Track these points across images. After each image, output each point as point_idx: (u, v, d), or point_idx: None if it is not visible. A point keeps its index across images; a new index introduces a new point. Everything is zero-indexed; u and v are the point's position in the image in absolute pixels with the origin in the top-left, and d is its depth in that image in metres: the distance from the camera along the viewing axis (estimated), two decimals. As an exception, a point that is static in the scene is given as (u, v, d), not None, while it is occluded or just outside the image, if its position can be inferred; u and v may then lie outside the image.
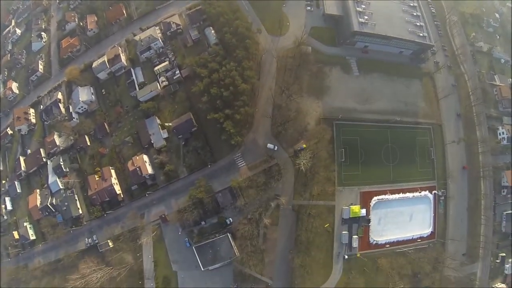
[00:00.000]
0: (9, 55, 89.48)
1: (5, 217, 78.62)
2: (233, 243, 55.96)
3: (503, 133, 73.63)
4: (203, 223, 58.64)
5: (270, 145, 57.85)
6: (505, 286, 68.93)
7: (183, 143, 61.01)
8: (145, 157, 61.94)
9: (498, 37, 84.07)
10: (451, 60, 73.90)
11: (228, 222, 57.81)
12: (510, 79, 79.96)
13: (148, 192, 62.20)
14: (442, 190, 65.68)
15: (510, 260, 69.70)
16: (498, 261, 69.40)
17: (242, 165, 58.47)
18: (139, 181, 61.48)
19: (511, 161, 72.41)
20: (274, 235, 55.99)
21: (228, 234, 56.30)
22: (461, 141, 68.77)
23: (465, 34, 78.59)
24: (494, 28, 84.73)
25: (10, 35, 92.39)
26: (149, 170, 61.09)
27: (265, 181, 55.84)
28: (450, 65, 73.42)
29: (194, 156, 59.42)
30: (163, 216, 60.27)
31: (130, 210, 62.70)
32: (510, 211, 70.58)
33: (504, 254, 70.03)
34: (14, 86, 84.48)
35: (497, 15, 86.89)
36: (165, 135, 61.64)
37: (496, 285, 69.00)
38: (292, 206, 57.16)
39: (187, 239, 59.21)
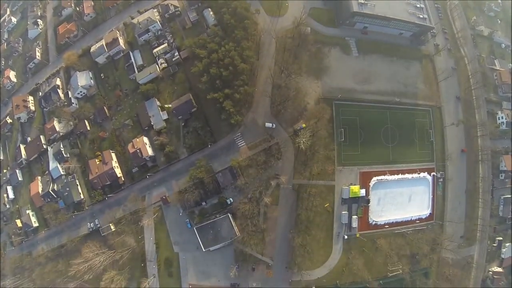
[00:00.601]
0: (5, 44, 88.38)
1: (7, 206, 79.08)
2: (233, 223, 56.49)
3: (502, 117, 73.77)
4: (203, 203, 59.13)
5: (268, 124, 58.06)
6: (501, 270, 70.20)
7: (183, 124, 61.14)
8: (145, 139, 62.02)
9: (499, 21, 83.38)
10: (451, 43, 73.55)
11: (229, 202, 58.28)
12: (511, 64, 79.63)
13: (148, 174, 62.48)
14: (441, 172, 66.23)
15: (507, 244, 70.83)
16: (495, 245, 70.55)
17: (242, 145, 58.72)
18: (140, 163, 61.75)
19: (510, 146, 72.98)
20: (275, 213, 56.63)
21: (229, 214, 56.83)
22: (460, 123, 69.02)
23: (465, 18, 77.90)
24: (496, 12, 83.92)
25: (5, 24, 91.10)
26: (150, 152, 61.26)
27: (265, 160, 56.17)
28: (450, 48, 73.15)
29: (194, 137, 59.57)
30: (164, 197, 60.63)
31: (131, 192, 62.97)
32: (508, 195, 71.28)
33: (501, 238, 71.08)
34: (12, 74, 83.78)
35: (499, 0, 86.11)
36: (165, 116, 61.76)
37: (493, 268, 70.30)
38: (292, 185, 57.67)
39: (188, 220, 59.78)
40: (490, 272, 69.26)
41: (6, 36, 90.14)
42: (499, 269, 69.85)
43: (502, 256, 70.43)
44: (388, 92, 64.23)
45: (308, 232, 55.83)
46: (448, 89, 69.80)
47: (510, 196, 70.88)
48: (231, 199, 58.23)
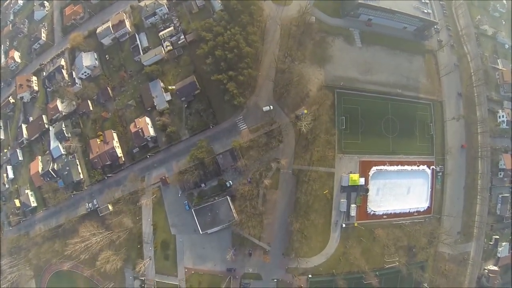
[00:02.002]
0: (10, 26, 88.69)
1: (6, 186, 79.13)
2: (232, 206, 56.48)
3: (503, 116, 74.23)
4: (203, 185, 59.18)
5: (265, 108, 58.44)
6: (497, 269, 70.23)
7: (185, 105, 61.45)
8: (148, 119, 62.29)
9: (503, 22, 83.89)
10: (454, 40, 74.04)
11: (228, 185, 58.26)
12: None
13: (149, 154, 62.52)
14: (440, 166, 66.44)
15: (503, 243, 70.92)
16: (491, 243, 70.74)
17: (243, 127, 59.03)
18: (141, 143, 61.77)
19: (510, 145, 73.25)
20: (274, 196, 56.67)
21: (228, 197, 56.85)
22: (460, 118, 69.32)
23: (470, 16, 78.42)
24: (501, 13, 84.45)
25: (11, 5, 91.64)
26: (151, 132, 61.36)
27: (266, 142, 56.34)
28: (454, 44, 73.61)
29: (196, 118, 59.85)
30: (163, 178, 60.67)
31: (131, 173, 62.92)
32: (506, 194, 71.55)
33: (497, 237, 71.22)
34: (16, 55, 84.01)
35: (504, 1, 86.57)
36: (168, 97, 62.11)
37: (489, 267, 70.37)
38: (292, 170, 57.79)
39: (186, 202, 59.72)
40: (486, 270, 69.33)
41: (11, 17, 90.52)
42: (495, 268, 69.97)
43: (498, 255, 70.56)
44: (390, 84, 64.66)
45: (307, 217, 55.78)
46: (450, 84, 70.23)
47: (508, 195, 71.18)
48: (230, 181, 58.24)
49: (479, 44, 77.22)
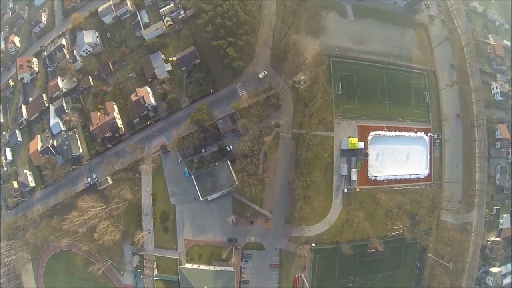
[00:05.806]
0: (10, 13, 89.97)
1: (5, 168, 78.24)
2: (232, 171, 56.33)
3: (496, 87, 75.89)
4: (203, 151, 59.16)
5: (261, 74, 59.75)
6: (500, 240, 69.98)
7: (186, 74, 62.39)
8: (148, 89, 63.04)
9: (493, 1, 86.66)
10: (445, 15, 76.35)
11: (228, 149, 58.34)
12: (505, 41, 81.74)
13: (150, 122, 62.52)
14: (438, 133, 67.20)
15: (504, 215, 70.88)
16: (493, 213, 70.82)
17: (242, 93, 59.99)
18: (142, 111, 62.03)
19: (505, 116, 74.27)
20: (275, 154, 56.60)
21: (228, 161, 56.76)
22: (454, 84, 70.60)
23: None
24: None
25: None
26: (152, 100, 61.89)
27: (265, 102, 57.05)
28: (444, 19, 75.93)
29: (196, 86, 60.73)
30: (163, 144, 60.61)
31: (131, 142, 62.64)
32: (504, 164, 72.13)
33: (499, 207, 71.40)
34: (16, 39, 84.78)
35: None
36: (169, 68, 63.16)
37: (491, 238, 70.07)
38: (292, 134, 58.29)
39: (186, 168, 59.44)
40: (489, 242, 69.12)
41: (11, 5, 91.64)
42: (498, 239, 69.75)
43: (500, 226, 70.58)
44: (384, 53, 66.62)
45: (308, 175, 55.42)
46: (442, 56, 72.08)
47: (506, 165, 71.86)
48: (230, 146, 58.37)
49: (470, 20, 79.48)
